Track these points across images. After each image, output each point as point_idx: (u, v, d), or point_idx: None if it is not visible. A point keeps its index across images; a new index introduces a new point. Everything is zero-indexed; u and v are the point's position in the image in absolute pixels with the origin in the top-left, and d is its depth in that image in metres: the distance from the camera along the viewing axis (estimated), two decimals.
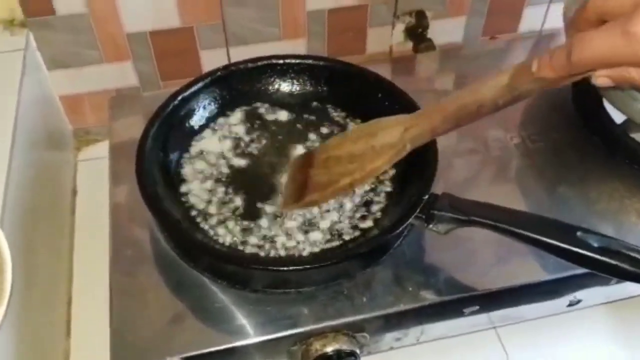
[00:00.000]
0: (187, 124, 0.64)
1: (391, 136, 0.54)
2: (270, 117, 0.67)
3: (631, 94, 0.63)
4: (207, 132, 0.65)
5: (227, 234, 0.57)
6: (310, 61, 0.68)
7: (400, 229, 0.53)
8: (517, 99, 0.47)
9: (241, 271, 0.54)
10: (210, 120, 0.66)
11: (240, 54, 0.83)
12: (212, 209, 0.59)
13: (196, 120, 0.65)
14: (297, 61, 0.68)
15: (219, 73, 0.67)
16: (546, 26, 0.91)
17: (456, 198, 0.54)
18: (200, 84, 0.65)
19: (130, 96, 0.76)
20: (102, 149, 0.86)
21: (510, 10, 0.88)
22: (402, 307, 0.54)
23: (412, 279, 0.56)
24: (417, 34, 0.85)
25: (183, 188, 0.60)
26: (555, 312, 0.62)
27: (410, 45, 0.88)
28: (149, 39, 0.79)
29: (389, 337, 0.57)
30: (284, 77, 0.69)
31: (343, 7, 0.81)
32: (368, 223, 0.57)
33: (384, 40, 0.87)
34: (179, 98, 0.63)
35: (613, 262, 0.47)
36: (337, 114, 0.67)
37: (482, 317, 0.59)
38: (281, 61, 0.68)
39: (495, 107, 0.48)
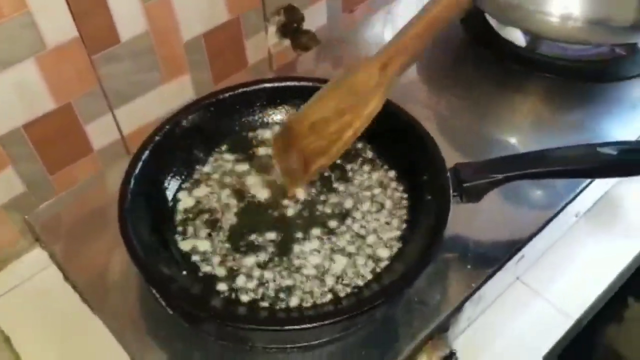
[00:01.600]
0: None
1: (372, 77, 0.53)
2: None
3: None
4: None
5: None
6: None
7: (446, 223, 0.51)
8: None
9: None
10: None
11: (127, 113, 0.74)
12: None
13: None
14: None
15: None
16: None
17: (474, 164, 0.54)
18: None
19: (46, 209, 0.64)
20: (9, 277, 0.72)
21: None
22: (473, 286, 0.53)
23: (463, 259, 0.55)
24: (293, 29, 0.82)
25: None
26: (566, 228, 0.65)
27: (286, 42, 0.85)
28: (24, 134, 0.66)
29: (464, 320, 0.56)
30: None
31: (216, 26, 0.76)
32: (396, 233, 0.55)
33: (261, 48, 0.83)
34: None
35: None
36: None
37: (512, 271, 0.61)
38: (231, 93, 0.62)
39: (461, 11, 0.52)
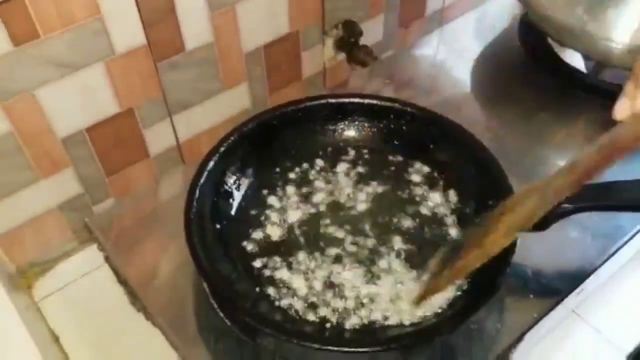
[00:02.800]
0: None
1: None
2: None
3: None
4: None
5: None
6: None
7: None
8: None
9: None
10: None
11: (184, 120, 0.74)
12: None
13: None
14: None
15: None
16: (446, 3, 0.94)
17: None
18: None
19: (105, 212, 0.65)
20: (58, 276, 0.73)
21: None
22: (535, 316, 0.53)
23: (525, 288, 0.55)
24: (350, 44, 0.82)
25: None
26: (624, 262, 0.64)
27: (341, 56, 0.85)
28: (86, 137, 0.67)
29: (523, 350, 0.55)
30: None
31: (277, 38, 0.76)
32: None
33: (317, 61, 0.83)
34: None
35: None
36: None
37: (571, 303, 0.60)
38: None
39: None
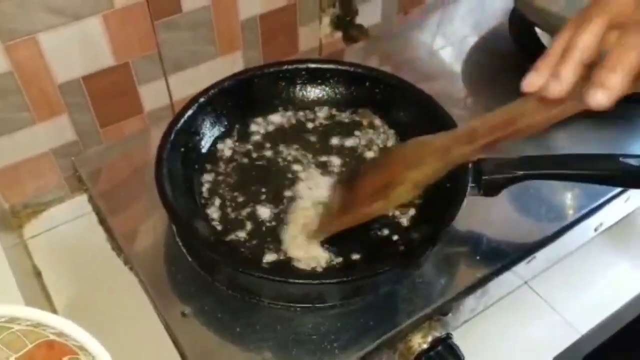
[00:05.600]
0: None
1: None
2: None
3: None
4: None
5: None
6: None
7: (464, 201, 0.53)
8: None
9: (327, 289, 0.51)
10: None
11: (179, 81, 0.78)
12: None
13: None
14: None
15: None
16: None
17: (497, 160, 0.56)
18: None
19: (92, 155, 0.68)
20: (48, 219, 0.77)
21: None
22: (478, 276, 0.55)
23: (474, 251, 0.57)
24: (346, 22, 0.85)
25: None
26: (584, 241, 0.66)
27: (338, 35, 0.88)
28: (82, 86, 0.71)
29: (466, 310, 0.57)
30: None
31: (273, 9, 0.79)
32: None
33: (313, 37, 0.87)
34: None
35: None
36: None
37: (521, 273, 0.62)
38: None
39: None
